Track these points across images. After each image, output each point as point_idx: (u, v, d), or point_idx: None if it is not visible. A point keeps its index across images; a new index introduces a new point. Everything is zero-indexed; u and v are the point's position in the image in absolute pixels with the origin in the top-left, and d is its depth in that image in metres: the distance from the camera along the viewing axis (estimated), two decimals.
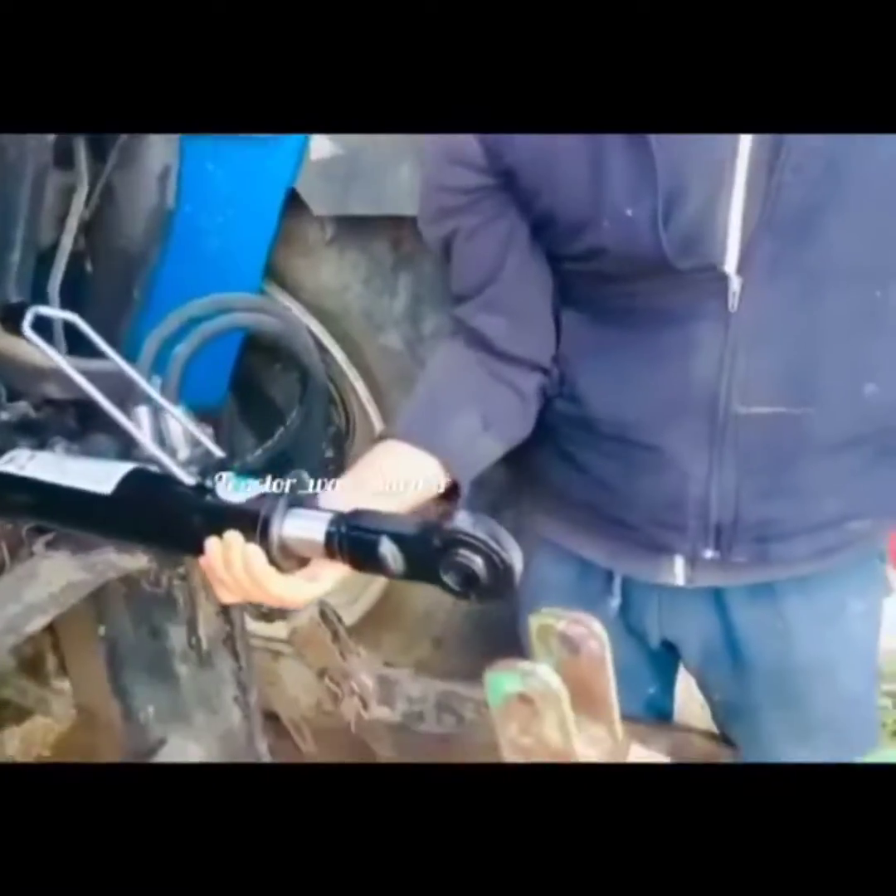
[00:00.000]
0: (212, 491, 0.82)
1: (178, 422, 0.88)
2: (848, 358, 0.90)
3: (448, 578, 0.73)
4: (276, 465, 1.61)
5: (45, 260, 1.38)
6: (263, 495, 0.80)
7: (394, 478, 0.91)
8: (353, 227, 1.37)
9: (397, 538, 0.75)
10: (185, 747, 1.31)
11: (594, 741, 0.71)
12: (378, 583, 1.68)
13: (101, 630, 1.25)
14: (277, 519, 0.78)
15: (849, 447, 0.94)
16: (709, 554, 1.00)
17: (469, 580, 0.73)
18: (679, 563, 1.03)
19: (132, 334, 1.44)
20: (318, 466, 1.69)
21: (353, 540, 0.76)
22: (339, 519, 0.77)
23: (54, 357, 0.84)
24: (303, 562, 0.82)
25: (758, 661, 1.09)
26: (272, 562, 0.79)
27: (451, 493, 0.96)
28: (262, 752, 1.31)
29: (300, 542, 0.79)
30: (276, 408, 1.66)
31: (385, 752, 1.63)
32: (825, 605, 1.06)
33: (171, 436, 0.89)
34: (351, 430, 1.66)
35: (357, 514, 0.77)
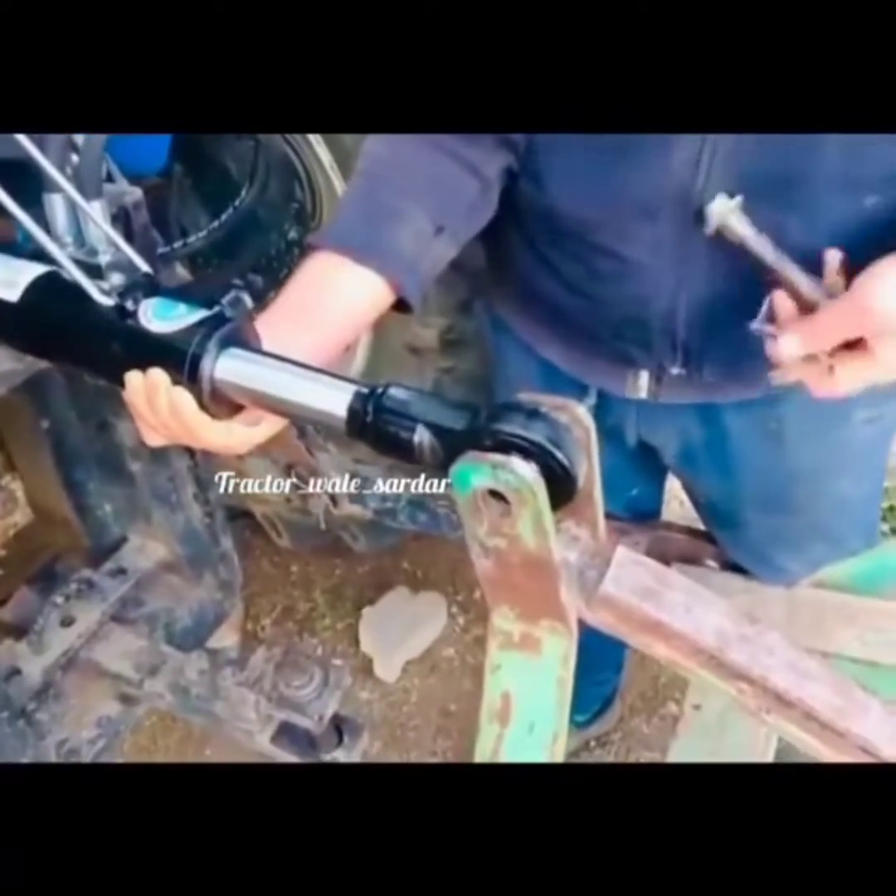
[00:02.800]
0: (133, 315, 0.68)
1: (95, 223, 0.71)
2: (844, 166, 0.77)
3: None
4: (230, 249, 1.46)
5: None
6: (194, 327, 0.66)
7: (330, 300, 0.77)
8: None
9: (439, 431, 0.61)
10: (146, 545, 1.26)
11: (573, 541, 0.63)
12: (351, 372, 1.57)
13: (45, 424, 1.16)
14: (209, 359, 0.65)
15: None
16: (676, 371, 0.93)
17: None
18: (644, 378, 0.95)
19: None
20: (282, 249, 1.55)
21: (385, 423, 0.62)
22: (368, 395, 0.63)
23: None
24: (237, 407, 0.69)
25: (747, 465, 1.03)
26: (203, 407, 0.67)
27: (398, 307, 0.83)
28: (227, 548, 1.26)
29: (235, 388, 0.66)
30: (232, 180, 1.48)
31: (358, 547, 1.60)
32: (828, 410, 0.97)
33: (92, 234, 0.72)
34: (317, 206, 1.49)
35: (389, 391, 0.63)
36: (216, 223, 1.33)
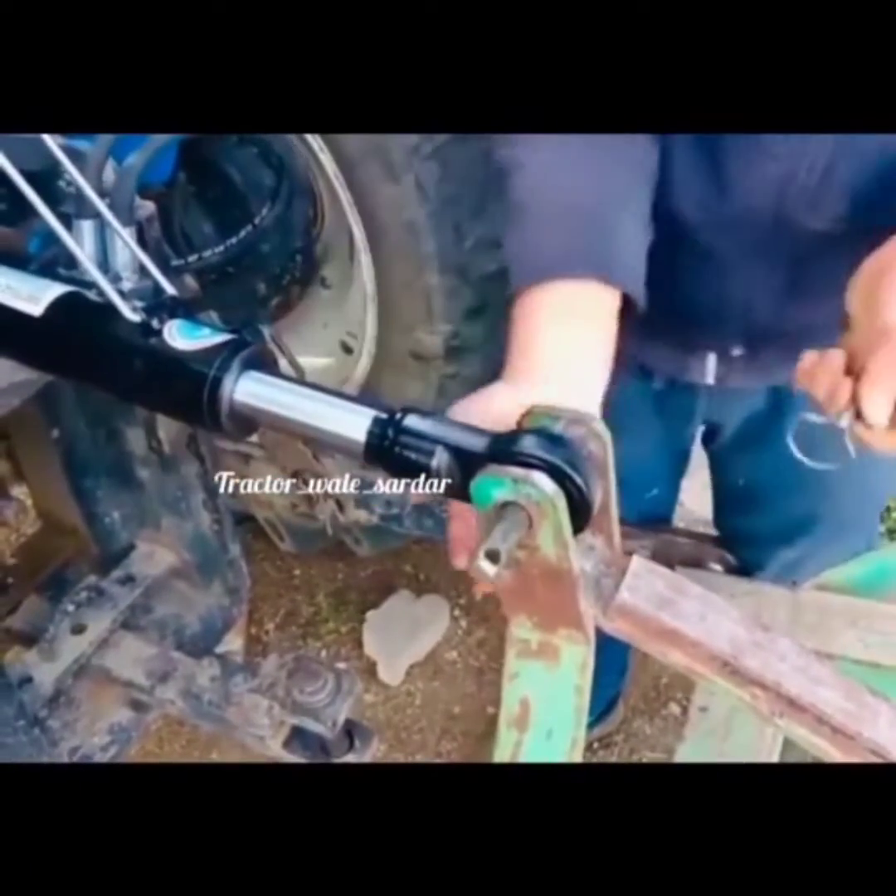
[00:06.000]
0: (158, 333, 0.69)
1: (127, 245, 0.74)
2: None
3: None
4: (242, 262, 1.47)
5: None
6: (216, 347, 0.68)
7: (588, 332, 0.70)
8: None
9: (458, 454, 0.61)
10: (155, 553, 1.27)
11: (589, 551, 0.64)
12: (353, 383, 1.59)
13: (55, 433, 1.17)
14: (230, 380, 0.66)
15: None
16: (737, 352, 0.98)
17: None
18: (711, 361, 0.99)
19: None
20: (287, 260, 1.55)
21: (404, 447, 0.62)
22: (387, 420, 0.63)
23: None
24: (252, 428, 0.71)
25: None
26: (219, 428, 0.68)
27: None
28: (235, 554, 1.27)
29: (254, 410, 0.67)
30: (238, 190, 1.48)
31: (362, 551, 1.62)
32: None
33: (117, 261, 0.75)
34: (319, 212, 1.51)
35: (408, 415, 0.63)
36: (235, 239, 1.34)
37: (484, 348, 1.44)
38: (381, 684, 1.78)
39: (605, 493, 0.62)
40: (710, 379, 1.00)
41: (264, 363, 0.70)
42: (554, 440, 0.59)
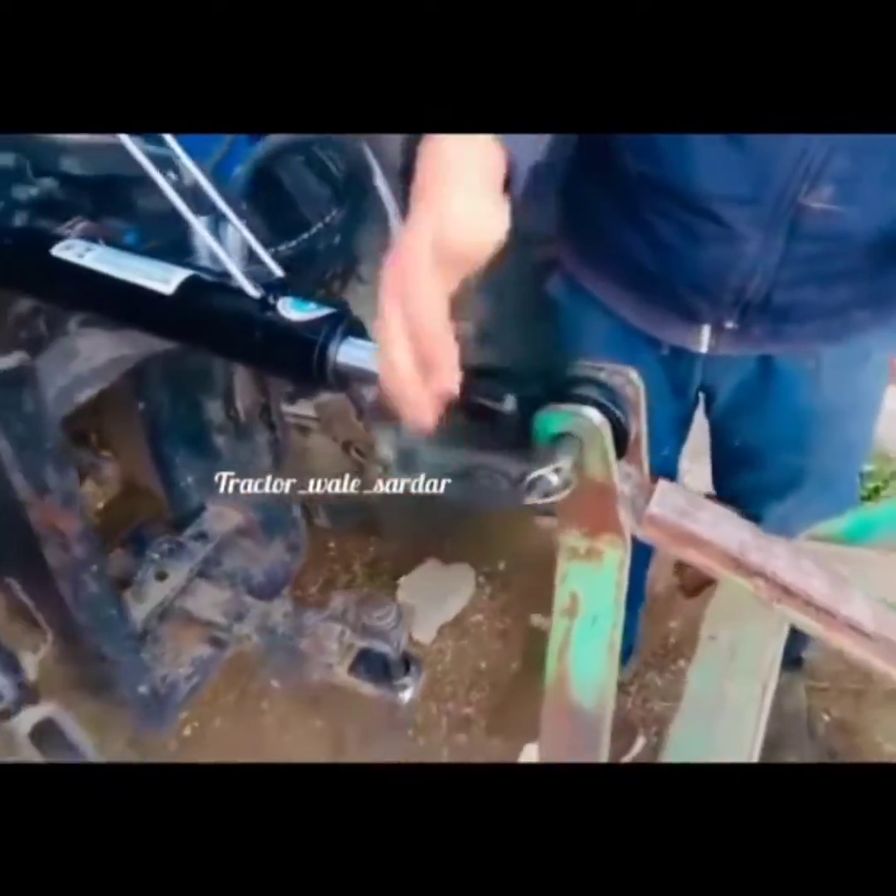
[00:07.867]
0: (273, 307, 0.84)
1: (241, 233, 0.90)
2: None
3: None
4: (315, 255, 1.61)
5: None
6: (322, 319, 0.83)
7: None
8: None
9: (524, 400, 0.74)
10: (223, 512, 1.42)
11: (627, 477, 0.80)
12: None
13: (140, 406, 1.32)
14: (334, 345, 0.82)
15: (877, 246, 1.03)
16: (730, 325, 1.12)
17: None
18: (705, 332, 1.12)
19: None
20: (335, 255, 1.68)
21: (479, 395, 0.75)
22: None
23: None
24: (349, 384, 0.85)
25: (785, 401, 1.22)
26: (326, 385, 0.83)
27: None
28: (296, 514, 1.42)
29: (354, 369, 0.83)
30: (311, 191, 1.60)
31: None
32: (854, 351, 1.18)
33: (228, 248, 0.91)
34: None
35: (483, 369, 0.76)
36: (306, 235, 1.49)
37: (510, 335, 1.60)
38: (415, 642, 1.95)
39: (637, 430, 0.79)
40: (703, 348, 1.15)
41: (359, 332, 0.86)
42: (599, 384, 0.75)
